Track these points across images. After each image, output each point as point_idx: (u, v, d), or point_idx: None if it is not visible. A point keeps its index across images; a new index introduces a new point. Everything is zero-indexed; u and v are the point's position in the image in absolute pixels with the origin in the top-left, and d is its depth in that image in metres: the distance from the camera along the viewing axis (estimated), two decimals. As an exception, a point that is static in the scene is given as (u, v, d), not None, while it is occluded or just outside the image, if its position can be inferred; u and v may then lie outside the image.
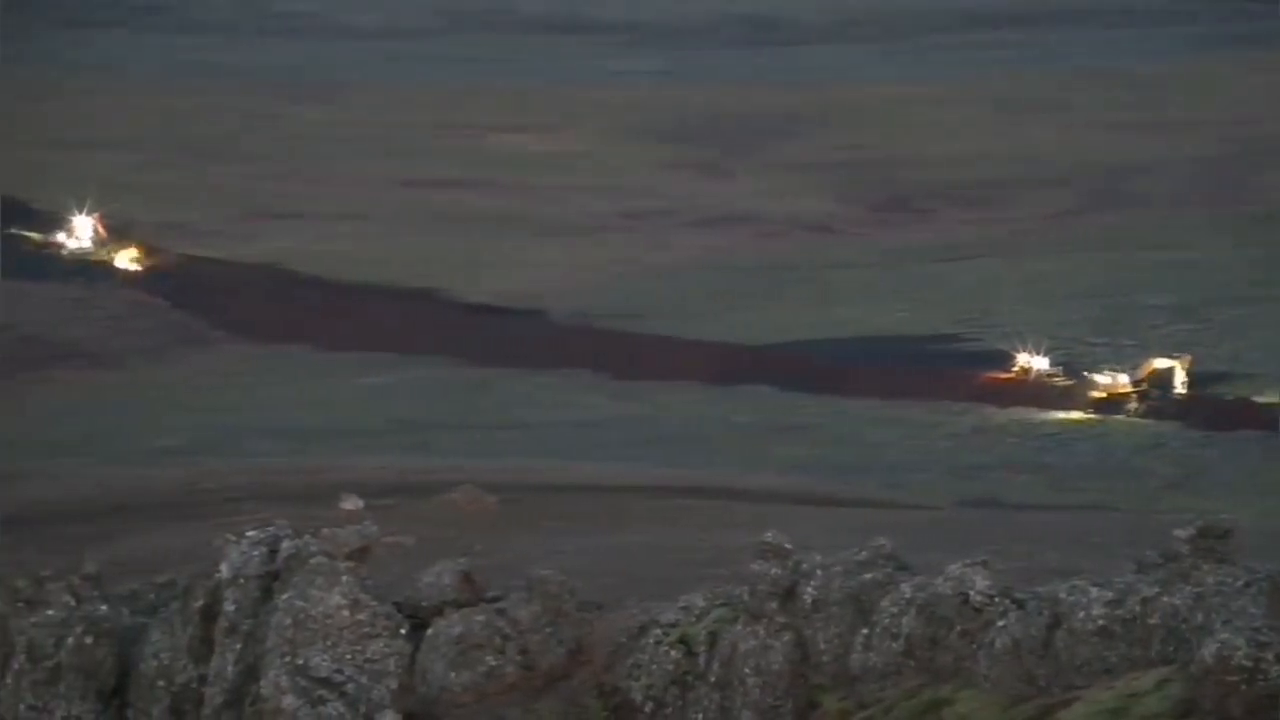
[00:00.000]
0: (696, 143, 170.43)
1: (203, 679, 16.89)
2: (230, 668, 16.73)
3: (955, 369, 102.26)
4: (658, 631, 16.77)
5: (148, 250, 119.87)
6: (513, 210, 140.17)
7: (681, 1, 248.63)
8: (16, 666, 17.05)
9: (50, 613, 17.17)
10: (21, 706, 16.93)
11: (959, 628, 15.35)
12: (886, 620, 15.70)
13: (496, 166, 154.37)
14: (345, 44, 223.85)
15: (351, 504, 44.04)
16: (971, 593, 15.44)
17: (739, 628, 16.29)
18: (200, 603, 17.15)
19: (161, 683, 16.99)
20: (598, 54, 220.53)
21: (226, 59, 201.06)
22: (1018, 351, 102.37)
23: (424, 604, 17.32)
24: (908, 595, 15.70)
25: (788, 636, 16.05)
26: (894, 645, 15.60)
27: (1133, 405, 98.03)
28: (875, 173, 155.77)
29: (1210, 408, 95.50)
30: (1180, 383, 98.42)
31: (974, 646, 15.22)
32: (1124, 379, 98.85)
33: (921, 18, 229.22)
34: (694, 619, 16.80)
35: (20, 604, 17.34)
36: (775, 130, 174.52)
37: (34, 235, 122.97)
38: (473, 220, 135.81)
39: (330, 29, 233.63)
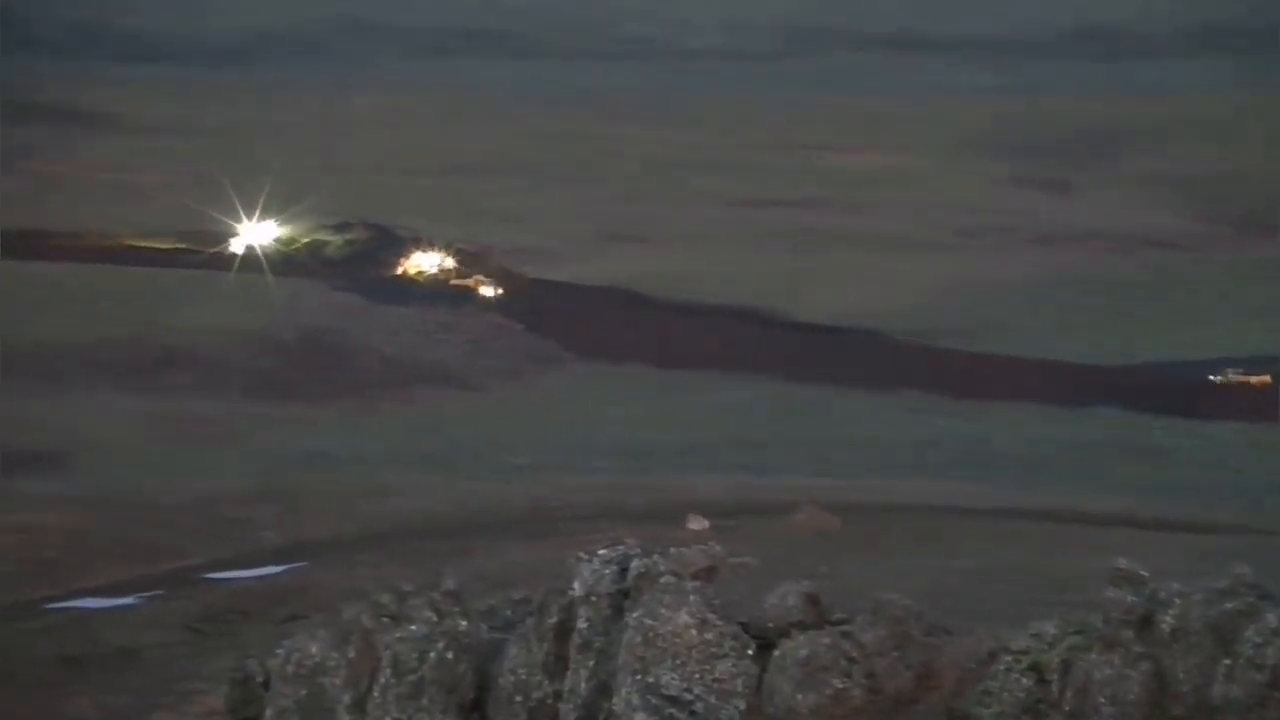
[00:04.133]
0: (1035, 157, 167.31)
1: (558, 695, 17.16)
2: (584, 684, 16.97)
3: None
4: (1008, 658, 16.45)
5: (504, 274, 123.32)
6: (850, 229, 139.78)
7: (1019, 16, 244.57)
8: (383, 680, 17.54)
9: (413, 628, 17.62)
10: (387, 719, 17.44)
11: (1327, 661, 14.73)
12: (1250, 651, 15.11)
13: (834, 185, 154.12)
14: (686, 66, 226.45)
15: (697, 524, 44.50)
16: (1341, 625, 14.80)
17: (1093, 656, 15.89)
18: (555, 620, 17.41)
19: (519, 698, 17.32)
20: (934, 70, 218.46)
21: (572, 83, 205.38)
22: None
23: (770, 625, 17.31)
24: (1273, 625, 15.11)
25: (1145, 666, 15.60)
26: (1258, 676, 15.02)
27: None
28: (1223, 188, 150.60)
29: None
30: None
31: (1344, 681, 14.59)
32: None
33: (1269, 30, 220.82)
34: (1046, 646, 16.42)
35: (385, 619, 17.85)
36: (1117, 144, 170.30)
37: (399, 260, 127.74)
38: (811, 240, 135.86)
39: (672, 52, 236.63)
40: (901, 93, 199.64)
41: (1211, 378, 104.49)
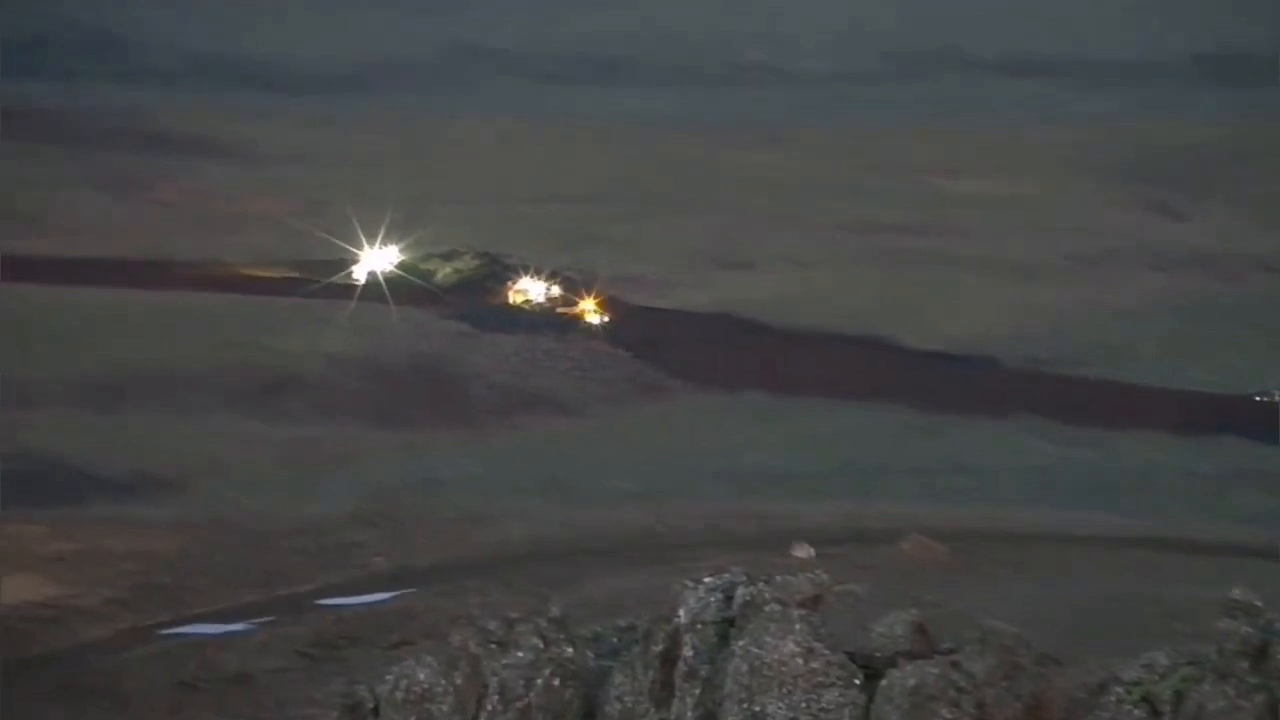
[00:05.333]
0: (1150, 182, 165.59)
1: (663, 722, 17.15)
2: (690, 712, 16.92)
3: None
4: (1120, 689, 16.22)
5: (610, 302, 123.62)
6: (961, 254, 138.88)
7: (1129, 41, 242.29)
8: (490, 707, 17.60)
9: (520, 655, 17.68)
10: (494, 744, 17.48)
11: None
12: (1366, 684, 14.84)
13: (945, 210, 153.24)
14: (794, 91, 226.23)
15: (803, 551, 44.40)
16: None
17: (1207, 687, 15.64)
18: (660, 647, 17.38)
19: (625, 725, 17.33)
20: (1045, 94, 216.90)
21: (684, 108, 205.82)
22: None
23: (877, 654, 17.18)
24: (1391, 658, 14.82)
25: (1260, 697, 15.34)
26: (1375, 711, 14.74)
27: None
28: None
29: None
30: None
31: None
32: None
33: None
34: (1158, 677, 16.19)
35: (492, 646, 17.92)
36: (1232, 168, 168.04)
37: (506, 287, 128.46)
38: (921, 265, 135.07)
39: (784, 77, 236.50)
40: (1014, 117, 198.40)
41: (1259, 398, 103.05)
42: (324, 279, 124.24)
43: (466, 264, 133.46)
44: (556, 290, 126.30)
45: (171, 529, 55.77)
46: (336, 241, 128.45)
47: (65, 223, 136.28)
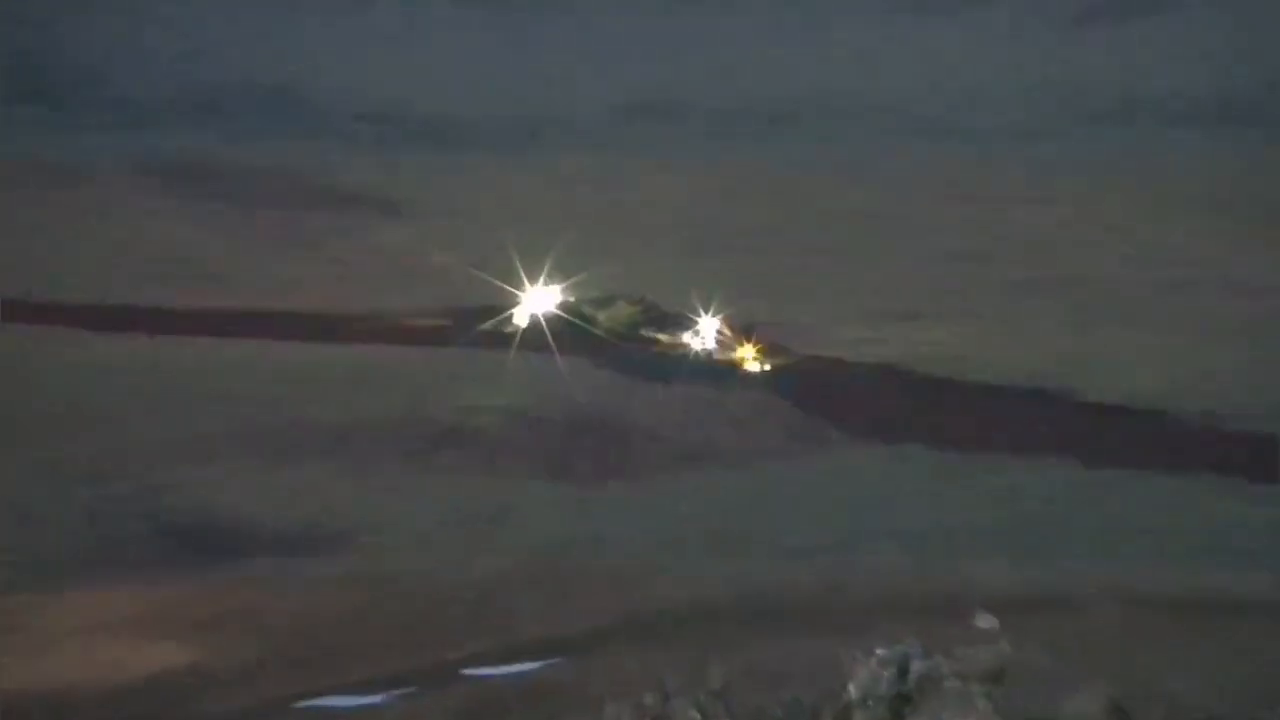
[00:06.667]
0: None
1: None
2: (856, 799, 15.52)
3: None
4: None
5: (771, 351, 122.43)
6: (1137, 309, 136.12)
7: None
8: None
9: (676, 732, 16.48)
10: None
11: None
12: None
13: (1123, 263, 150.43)
14: (963, 144, 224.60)
15: (986, 622, 42.56)
16: None
17: None
18: (827, 726, 16.03)
19: (785, 812, 15.96)
20: (1233, 142, 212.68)
21: (847, 161, 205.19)
22: None
23: (1070, 734, 15.61)
24: None
25: None
26: None
27: None
28: None
29: None
30: None
31: None
32: None
33: None
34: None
35: (647, 720, 16.75)
36: None
37: (662, 336, 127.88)
38: (1093, 319, 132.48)
39: (948, 130, 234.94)
40: (1194, 165, 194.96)
41: None
42: (485, 327, 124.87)
43: (623, 310, 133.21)
44: (717, 338, 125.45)
45: (329, 587, 55.19)
46: (501, 284, 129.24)
47: (248, 280, 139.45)
